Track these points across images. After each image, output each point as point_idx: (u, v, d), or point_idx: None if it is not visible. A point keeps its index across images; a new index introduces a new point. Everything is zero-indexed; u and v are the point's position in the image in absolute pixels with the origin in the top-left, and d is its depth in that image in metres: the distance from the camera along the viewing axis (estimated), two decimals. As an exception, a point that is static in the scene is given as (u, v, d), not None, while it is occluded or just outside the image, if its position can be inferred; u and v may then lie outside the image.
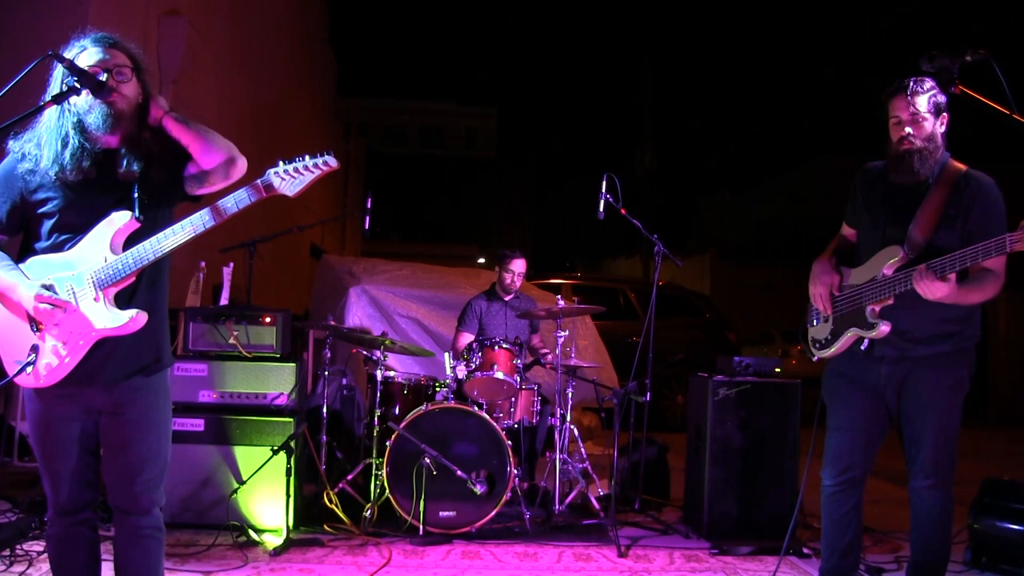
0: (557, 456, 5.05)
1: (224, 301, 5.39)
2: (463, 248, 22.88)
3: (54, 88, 2.54)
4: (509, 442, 4.66)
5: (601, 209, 4.74)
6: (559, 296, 5.59)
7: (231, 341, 4.62)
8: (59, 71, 2.52)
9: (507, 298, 5.89)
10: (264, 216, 7.29)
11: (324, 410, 5.08)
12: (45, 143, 2.54)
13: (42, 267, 2.58)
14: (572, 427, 5.21)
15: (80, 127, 2.55)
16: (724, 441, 4.58)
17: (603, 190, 4.79)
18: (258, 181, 2.48)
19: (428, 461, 4.47)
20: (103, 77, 2.51)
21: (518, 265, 5.85)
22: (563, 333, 5.17)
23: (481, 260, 23.22)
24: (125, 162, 2.57)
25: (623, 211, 4.85)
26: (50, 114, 2.54)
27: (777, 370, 4.69)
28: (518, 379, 5.05)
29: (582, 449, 5.41)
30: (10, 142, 2.58)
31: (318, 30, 16.73)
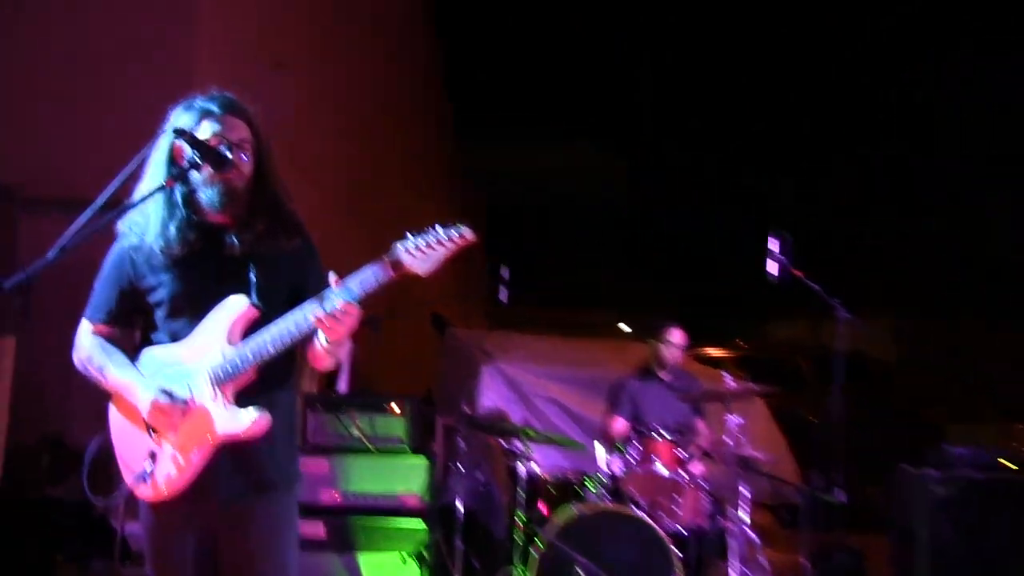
0: (733, 565, 4.81)
1: (343, 387, 5.44)
2: (602, 314, 22.76)
3: (161, 155, 2.63)
4: (676, 550, 4.50)
5: (776, 272, 4.65)
6: (724, 372, 5.40)
7: (355, 433, 4.63)
8: (168, 137, 2.61)
9: (665, 377, 5.73)
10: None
11: (458, 510, 4.99)
12: (152, 213, 2.64)
13: (156, 362, 2.63)
14: (749, 530, 4.96)
15: (191, 201, 2.63)
16: (945, 554, 4.26)
17: (776, 250, 4.71)
18: (385, 258, 2.48)
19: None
20: (227, 152, 2.58)
21: (677, 337, 5.68)
22: (735, 418, 4.96)
23: (624, 327, 22.98)
24: (236, 240, 2.64)
25: (799, 274, 4.74)
26: (158, 179, 2.62)
27: (1008, 464, 4.32)
28: (683, 474, 4.87)
29: (761, 558, 5.13)
30: (119, 223, 2.68)
31: (430, 70, 16.98)
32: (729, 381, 5.13)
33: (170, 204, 2.62)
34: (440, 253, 2.47)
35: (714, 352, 9.58)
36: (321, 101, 9.95)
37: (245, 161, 2.64)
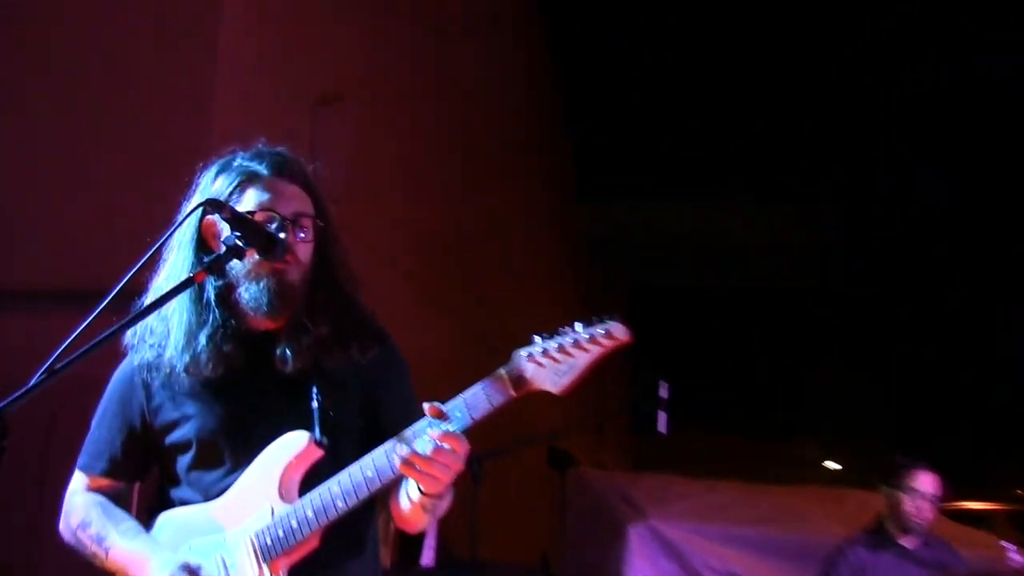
0: None
1: (428, 559, 5.49)
2: (803, 445, 22.27)
3: (187, 236, 2.73)
4: None
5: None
6: (1003, 541, 5.28)
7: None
8: (197, 212, 2.69)
9: (909, 544, 5.68)
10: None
11: None
12: (174, 318, 2.74)
13: (179, 528, 2.71)
14: None
15: (228, 300, 2.73)
16: None
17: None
18: (503, 372, 2.50)
19: None
20: (279, 232, 2.66)
21: (927, 484, 5.62)
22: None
23: (832, 465, 22.51)
24: (291, 354, 2.71)
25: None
26: (183, 269, 2.72)
27: None
28: None
29: None
30: (127, 334, 2.78)
31: (545, 109, 17.07)
32: (1013, 554, 5.02)
33: (199, 305, 2.72)
34: (581, 361, 2.47)
35: (980, 507, 9.33)
36: (390, 147, 10.06)
37: (303, 243, 2.73)
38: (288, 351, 2.71)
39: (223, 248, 2.61)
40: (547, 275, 16.87)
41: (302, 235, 2.73)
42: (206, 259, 2.67)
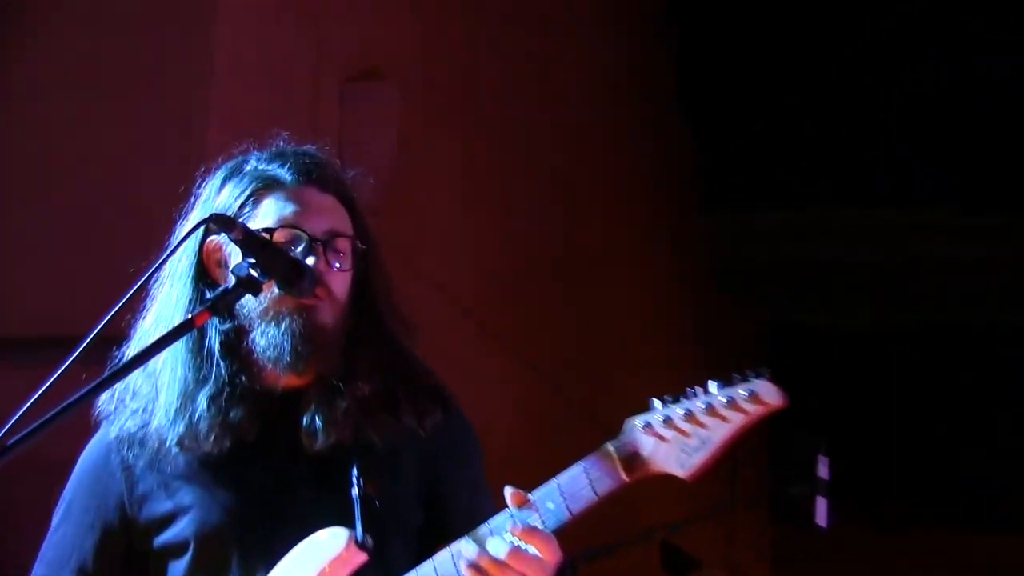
0: None
1: None
2: (1012, 541, 22.00)
3: (184, 266, 2.74)
4: None
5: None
6: None
7: None
8: (197, 233, 2.68)
9: None
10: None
11: None
12: (164, 371, 2.72)
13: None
14: None
15: (236, 348, 2.72)
16: None
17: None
18: (610, 449, 2.49)
19: None
20: (307, 257, 2.63)
21: None
22: None
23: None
24: (322, 423, 2.69)
25: None
26: (177, 309, 2.71)
27: None
28: None
29: None
30: (102, 398, 2.73)
31: (654, 88, 16.56)
32: None
33: (199, 357, 2.70)
34: (718, 435, 2.44)
35: None
36: (445, 146, 9.82)
37: (340, 272, 2.71)
38: (318, 419, 2.68)
39: (232, 280, 2.58)
40: (659, 311, 16.07)
41: (337, 264, 2.71)
42: (209, 295, 2.65)
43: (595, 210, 13.63)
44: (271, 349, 2.67)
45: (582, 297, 12.71)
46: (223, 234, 2.61)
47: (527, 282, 11.42)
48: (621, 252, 14.30)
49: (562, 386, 10.47)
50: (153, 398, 2.72)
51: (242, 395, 2.69)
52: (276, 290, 2.61)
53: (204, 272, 2.73)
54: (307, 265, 2.60)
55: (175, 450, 2.69)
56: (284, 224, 2.66)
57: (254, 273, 2.54)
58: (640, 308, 14.85)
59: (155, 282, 2.74)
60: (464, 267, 9.81)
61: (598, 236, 13.67)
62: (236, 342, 2.71)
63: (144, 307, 2.76)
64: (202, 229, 2.65)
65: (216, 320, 2.66)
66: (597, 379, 11.26)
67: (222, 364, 2.69)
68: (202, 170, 2.85)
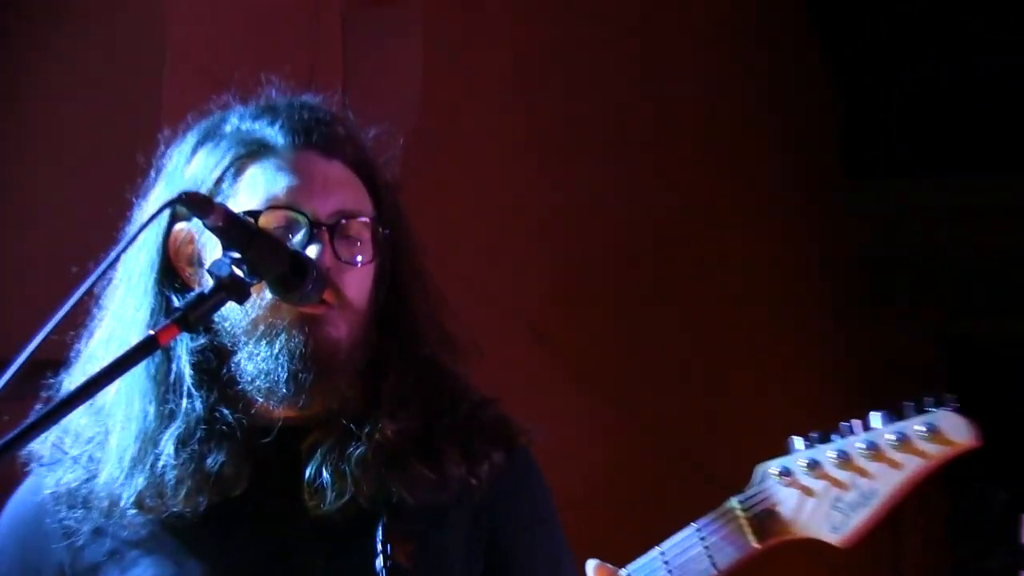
0: None
1: None
2: None
3: (144, 262, 2.42)
4: None
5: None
6: None
7: None
8: (161, 218, 2.31)
9: None
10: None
11: None
12: (118, 406, 2.42)
13: None
14: None
15: (215, 373, 2.40)
16: None
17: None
18: (735, 507, 2.21)
19: None
20: (307, 248, 2.27)
21: None
22: None
23: None
24: (328, 474, 2.35)
25: None
26: (134, 322, 2.40)
27: None
28: None
29: None
30: (34, 444, 2.31)
31: (788, 40, 15.51)
32: None
33: (163, 386, 2.37)
34: (887, 487, 2.12)
35: None
36: (496, 100, 8.50)
37: (355, 269, 2.35)
38: (325, 471, 2.36)
39: (208, 282, 2.22)
40: (797, 324, 14.74)
41: (359, 258, 2.36)
42: (177, 303, 2.28)
43: (707, 198, 11.83)
44: (262, 376, 2.35)
45: (690, 316, 11.03)
46: (195, 219, 2.25)
47: (621, 294, 10.65)
48: (737, 254, 12.28)
49: (659, 425, 9.71)
50: (102, 442, 2.40)
51: (223, 435, 2.37)
52: (268, 295, 2.31)
53: (171, 272, 2.41)
54: (309, 259, 2.26)
55: (132, 512, 2.35)
56: (275, 204, 2.34)
57: (238, 272, 2.21)
58: (767, 322, 12.58)
59: (105, 286, 2.41)
60: (533, 273, 9.09)
61: (712, 235, 11.78)
62: (215, 366, 2.39)
63: (91, 321, 2.44)
64: (167, 213, 2.31)
65: (187, 337, 2.33)
66: (706, 416, 10.31)
67: (195, 395, 2.37)
68: (165, 133, 2.47)
